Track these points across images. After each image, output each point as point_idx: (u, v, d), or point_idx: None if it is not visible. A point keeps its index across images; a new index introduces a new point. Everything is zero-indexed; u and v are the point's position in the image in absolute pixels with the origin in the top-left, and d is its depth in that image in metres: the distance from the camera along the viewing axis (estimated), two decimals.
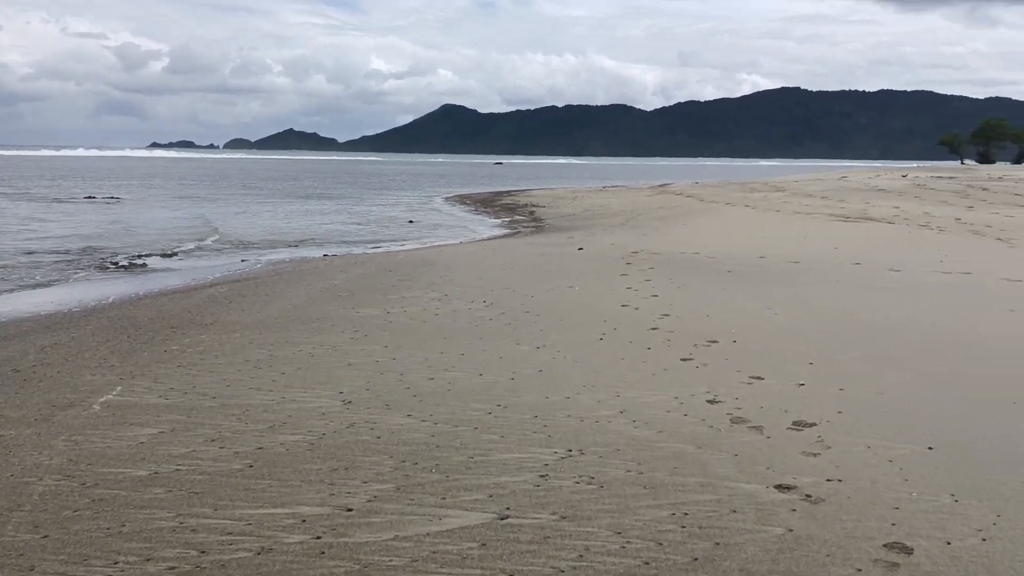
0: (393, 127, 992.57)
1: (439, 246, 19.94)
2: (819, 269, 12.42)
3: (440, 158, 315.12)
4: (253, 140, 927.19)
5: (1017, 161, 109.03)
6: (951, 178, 36.14)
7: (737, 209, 23.94)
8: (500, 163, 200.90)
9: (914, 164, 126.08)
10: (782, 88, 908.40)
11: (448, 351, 7.92)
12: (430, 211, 34.33)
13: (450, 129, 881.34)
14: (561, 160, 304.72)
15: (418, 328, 9.09)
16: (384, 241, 21.86)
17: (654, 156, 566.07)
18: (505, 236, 22.81)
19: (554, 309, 9.94)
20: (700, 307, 9.75)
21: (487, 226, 26.73)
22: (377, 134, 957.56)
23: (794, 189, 30.38)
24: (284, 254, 18.76)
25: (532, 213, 30.21)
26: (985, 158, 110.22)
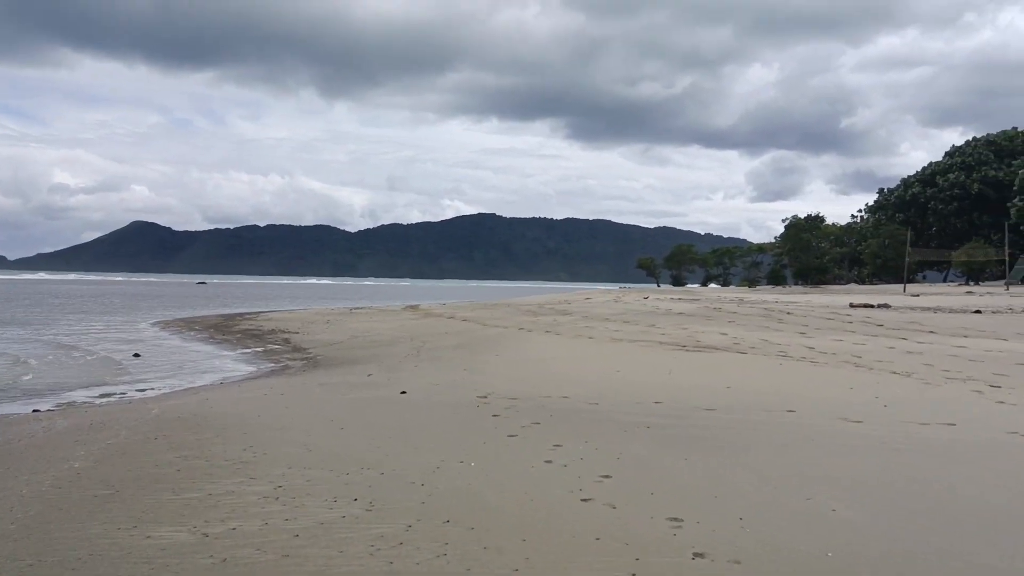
0: (75, 244, 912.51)
1: (199, 390, 15.20)
2: (754, 420, 9.81)
3: (133, 277, 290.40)
4: None
5: (704, 283, 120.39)
6: (694, 300, 36.77)
7: (541, 336, 21.42)
8: (204, 283, 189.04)
9: (616, 286, 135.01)
10: (480, 214, 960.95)
11: None
12: (153, 340, 28.47)
13: (141, 247, 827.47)
14: (267, 279, 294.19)
15: None
16: (112, 384, 16.56)
17: (359, 276, 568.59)
18: (274, 373, 18.38)
19: (484, 513, 6.32)
20: (702, 501, 6.58)
21: (238, 359, 21.94)
22: (57, 251, 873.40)
23: (582, 312, 28.82)
24: None
25: (287, 341, 25.72)
26: (678, 280, 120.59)
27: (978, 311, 26.22)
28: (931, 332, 18.95)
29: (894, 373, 12.79)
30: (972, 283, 76.20)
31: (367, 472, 7.69)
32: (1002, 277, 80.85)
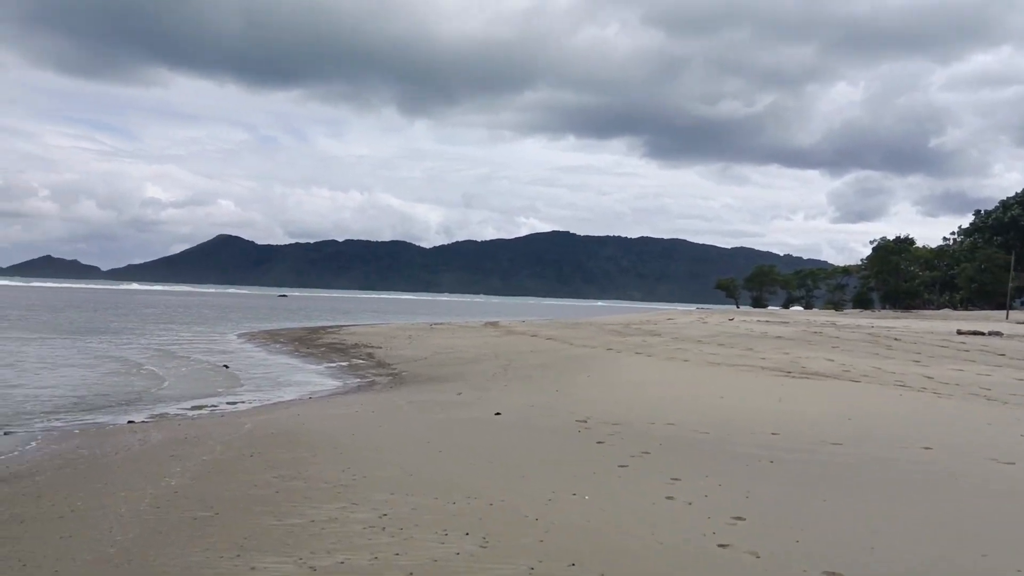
0: (164, 256, 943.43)
1: (289, 405, 15.00)
2: (889, 457, 8.99)
3: (215, 289, 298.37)
4: (4, 266, 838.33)
5: (786, 305, 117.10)
6: (784, 322, 35.43)
7: (631, 357, 20.75)
8: (285, 295, 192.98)
9: (694, 307, 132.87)
10: (553, 231, 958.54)
11: None
12: (240, 351, 28.69)
13: (225, 260, 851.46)
14: (345, 294, 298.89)
15: None
16: (203, 397, 16.52)
17: (435, 292, 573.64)
18: (360, 389, 18.13)
19: (611, 556, 5.77)
20: (858, 552, 5.88)
21: (324, 373, 21.82)
22: (145, 263, 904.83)
23: (671, 333, 28.07)
24: (68, 421, 13.12)
25: (371, 356, 25.57)
26: (758, 302, 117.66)
27: None
28: None
29: None
30: None
31: (474, 501, 7.20)
32: None
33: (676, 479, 7.99)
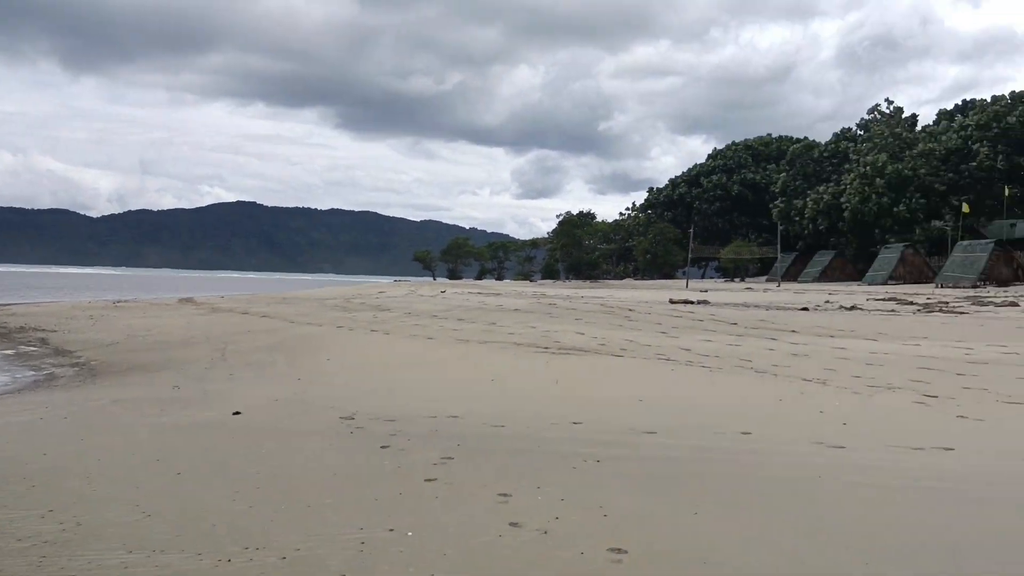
0: None
1: None
2: (722, 448, 8.10)
3: None
4: None
5: (479, 276, 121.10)
6: (496, 294, 35.38)
7: (368, 335, 18.75)
8: None
9: (391, 279, 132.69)
10: (239, 201, 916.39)
11: None
12: None
13: None
14: None
15: None
16: None
17: (102, 264, 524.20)
18: (39, 385, 14.55)
19: None
20: None
21: None
22: None
23: (400, 307, 26.33)
24: None
25: (45, 341, 21.23)
26: (454, 274, 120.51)
27: (805, 308, 26.75)
28: (793, 331, 18.39)
29: (806, 380, 11.64)
30: (737, 279, 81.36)
31: (258, 554, 5.17)
32: (758, 274, 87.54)
33: (506, 495, 6.44)
